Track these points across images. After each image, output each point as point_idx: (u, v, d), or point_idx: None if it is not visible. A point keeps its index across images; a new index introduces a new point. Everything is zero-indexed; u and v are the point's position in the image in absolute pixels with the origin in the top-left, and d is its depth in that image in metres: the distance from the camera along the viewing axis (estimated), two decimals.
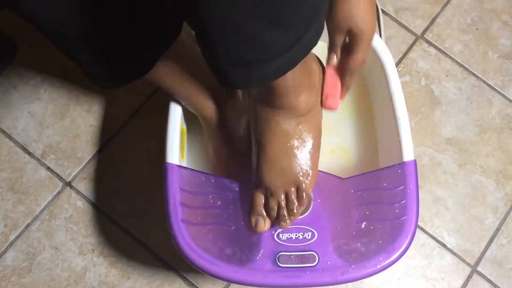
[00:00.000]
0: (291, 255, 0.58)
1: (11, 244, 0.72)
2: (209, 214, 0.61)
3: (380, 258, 0.58)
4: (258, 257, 0.58)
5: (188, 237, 0.58)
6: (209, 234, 0.60)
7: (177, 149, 0.62)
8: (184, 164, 0.65)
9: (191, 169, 0.63)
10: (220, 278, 0.57)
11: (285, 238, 0.60)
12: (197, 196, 0.61)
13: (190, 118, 0.68)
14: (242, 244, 0.60)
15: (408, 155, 0.62)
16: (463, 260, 0.74)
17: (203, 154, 0.70)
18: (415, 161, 0.62)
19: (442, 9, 0.86)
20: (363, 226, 0.61)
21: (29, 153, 0.76)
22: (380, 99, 0.70)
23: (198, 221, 0.60)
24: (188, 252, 0.57)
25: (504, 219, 0.76)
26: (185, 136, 0.67)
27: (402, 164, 0.62)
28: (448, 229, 0.75)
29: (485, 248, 0.75)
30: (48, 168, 0.75)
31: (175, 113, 0.64)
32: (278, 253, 0.58)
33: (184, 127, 0.67)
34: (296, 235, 0.60)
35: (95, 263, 0.72)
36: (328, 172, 0.65)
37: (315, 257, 0.58)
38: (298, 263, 0.58)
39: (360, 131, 0.72)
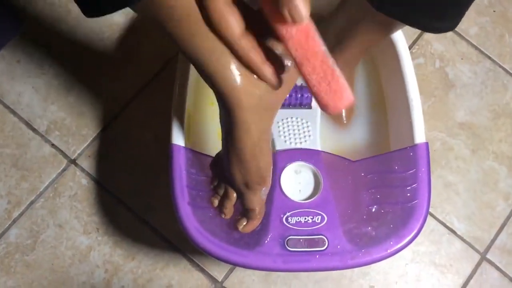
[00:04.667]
0: (300, 239, 0.57)
1: (15, 221, 0.71)
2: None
3: (391, 243, 0.57)
4: (266, 241, 0.57)
5: (195, 220, 0.57)
6: (216, 218, 0.59)
7: (183, 131, 0.60)
8: (189, 147, 0.64)
9: (197, 151, 0.61)
10: (228, 262, 0.56)
11: (294, 222, 0.59)
12: (204, 179, 0.60)
13: (196, 100, 0.67)
14: None
15: (420, 137, 0.61)
16: (473, 247, 0.73)
17: (209, 138, 0.68)
18: (427, 143, 0.60)
19: None
20: (373, 210, 0.60)
21: (33, 129, 0.74)
22: (392, 80, 0.68)
23: (204, 204, 0.59)
24: (195, 235, 0.56)
25: None
26: (191, 119, 0.66)
27: (413, 147, 0.60)
28: (458, 216, 0.74)
29: (495, 235, 0.73)
30: (53, 145, 0.74)
31: (181, 94, 0.62)
32: (287, 237, 0.57)
33: (190, 109, 0.65)
34: (305, 218, 0.59)
35: (99, 242, 0.71)
36: (338, 154, 0.64)
37: (325, 241, 0.57)
38: (307, 247, 0.57)
39: (370, 113, 0.71)
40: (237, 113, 0.46)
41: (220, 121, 0.51)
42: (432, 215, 0.73)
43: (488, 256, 0.73)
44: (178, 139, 0.60)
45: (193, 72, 0.64)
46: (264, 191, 0.54)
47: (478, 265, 0.72)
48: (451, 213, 0.74)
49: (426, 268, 0.72)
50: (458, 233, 0.73)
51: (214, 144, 0.67)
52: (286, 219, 0.58)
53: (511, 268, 0.72)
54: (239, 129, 0.47)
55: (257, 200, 0.54)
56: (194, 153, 0.60)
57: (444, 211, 0.74)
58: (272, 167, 0.53)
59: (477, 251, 0.73)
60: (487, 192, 0.75)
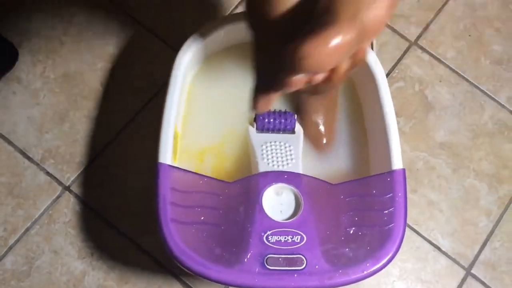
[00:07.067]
0: (279, 257, 0.59)
1: (10, 248, 0.73)
2: (199, 214, 0.61)
3: (368, 264, 0.58)
4: (246, 259, 0.58)
5: (177, 237, 0.58)
6: (199, 234, 0.60)
7: (169, 150, 0.63)
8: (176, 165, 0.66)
9: (183, 169, 0.63)
10: (208, 279, 0.57)
11: (274, 241, 0.60)
12: (188, 196, 0.62)
13: (183, 116, 0.69)
14: (231, 245, 0.60)
15: (397, 163, 0.63)
16: (458, 263, 0.75)
17: (195, 157, 0.70)
18: (404, 170, 0.63)
19: (435, 16, 0.87)
20: (351, 232, 0.62)
21: (29, 158, 0.77)
22: (370, 107, 0.71)
23: (188, 220, 0.61)
24: (176, 251, 0.58)
25: (498, 222, 0.77)
26: (178, 140, 0.68)
27: (391, 173, 0.63)
28: (442, 232, 0.76)
29: (479, 251, 0.76)
30: (47, 173, 0.76)
31: (170, 115, 0.64)
32: (266, 255, 0.59)
33: (178, 130, 0.68)
34: (285, 238, 0.60)
35: (94, 266, 0.72)
36: (319, 178, 0.66)
37: (303, 260, 0.59)
38: (286, 266, 0.58)
39: (351, 137, 0.73)
40: None
41: None
42: (417, 232, 0.76)
43: (473, 271, 0.75)
44: (164, 157, 0.62)
45: (183, 86, 0.66)
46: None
47: (463, 280, 0.74)
48: (436, 230, 0.76)
49: (413, 284, 0.74)
50: (443, 249, 0.75)
51: (197, 165, 0.70)
52: (267, 238, 0.60)
53: (496, 282, 0.75)
54: None
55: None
56: (180, 170, 0.62)
57: (428, 228, 0.76)
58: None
59: (462, 266, 0.75)
60: (469, 209, 0.77)
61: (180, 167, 0.64)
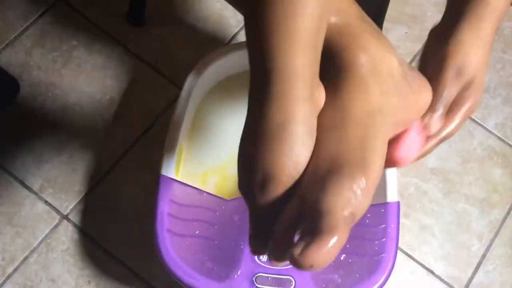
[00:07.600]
0: (269, 277, 0.60)
1: (9, 277, 0.73)
2: (195, 227, 0.63)
3: None
4: (236, 276, 0.60)
5: (170, 246, 0.60)
6: (192, 246, 0.62)
7: (173, 163, 0.64)
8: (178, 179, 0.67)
9: (183, 183, 0.65)
10: None
11: (265, 260, 0.62)
12: (186, 209, 0.64)
13: (188, 135, 0.70)
14: (223, 260, 0.62)
15: (392, 196, 0.65)
16: (451, 287, 0.76)
17: (197, 172, 0.71)
18: (398, 202, 0.65)
19: (423, 46, 0.91)
20: (342, 258, 0.63)
21: (28, 188, 0.78)
22: None
23: (183, 232, 0.62)
24: (167, 261, 0.59)
25: (490, 245, 0.78)
26: (182, 154, 0.70)
27: (385, 204, 0.64)
28: (435, 256, 0.77)
29: (472, 274, 0.77)
30: (46, 202, 0.77)
31: (176, 130, 0.66)
32: (256, 274, 0.60)
33: (183, 145, 0.69)
34: None
35: None
36: None
37: (292, 282, 0.60)
38: (274, 286, 0.60)
39: None
40: None
41: None
42: (410, 256, 0.77)
43: None
44: (167, 170, 0.64)
45: (190, 108, 0.68)
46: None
47: None
48: (429, 254, 0.77)
49: None
50: (437, 273, 0.76)
51: (200, 181, 0.70)
52: (258, 257, 0.62)
53: None
54: None
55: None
56: (181, 184, 0.64)
57: (422, 252, 0.77)
58: None
59: None
60: (462, 233, 0.79)
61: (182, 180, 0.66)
